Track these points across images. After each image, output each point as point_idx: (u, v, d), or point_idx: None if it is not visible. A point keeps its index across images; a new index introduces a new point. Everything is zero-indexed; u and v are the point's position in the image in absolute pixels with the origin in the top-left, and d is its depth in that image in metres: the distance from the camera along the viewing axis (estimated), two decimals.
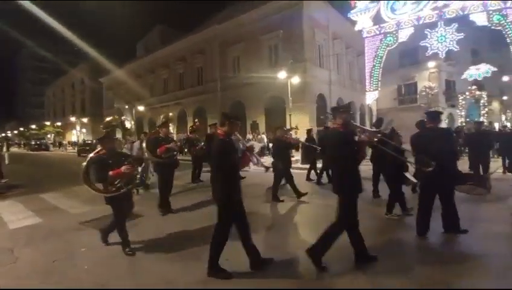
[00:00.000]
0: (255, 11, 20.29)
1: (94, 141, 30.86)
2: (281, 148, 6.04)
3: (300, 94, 17.53)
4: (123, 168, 3.31)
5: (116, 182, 3.33)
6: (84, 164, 3.39)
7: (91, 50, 32.55)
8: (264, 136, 16.95)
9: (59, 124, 45.85)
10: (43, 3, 23.43)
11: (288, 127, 15.68)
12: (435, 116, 3.76)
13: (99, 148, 3.57)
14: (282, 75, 15.35)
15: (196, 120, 9.73)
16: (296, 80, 15.64)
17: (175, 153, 5.18)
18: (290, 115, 16.07)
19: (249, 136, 18.06)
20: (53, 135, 46.03)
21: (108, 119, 4.27)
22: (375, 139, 3.14)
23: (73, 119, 40.74)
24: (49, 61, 63.31)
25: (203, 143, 7.56)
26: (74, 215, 5.31)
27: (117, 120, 4.33)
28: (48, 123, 46.95)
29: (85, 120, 39.52)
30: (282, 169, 5.87)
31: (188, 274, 2.89)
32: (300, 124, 16.94)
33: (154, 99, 28.99)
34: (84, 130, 40.41)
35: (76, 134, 40.15)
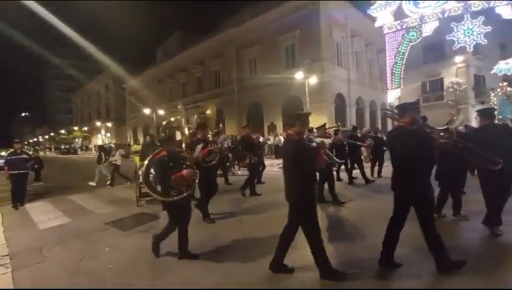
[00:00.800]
0: (270, 12, 20.25)
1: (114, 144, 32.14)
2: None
3: (318, 94, 17.23)
4: (185, 172, 3.12)
5: (179, 187, 3.13)
6: (144, 166, 3.24)
7: (114, 57, 34.05)
8: (281, 137, 16.79)
9: (86, 128, 48.25)
10: (67, 13, 24.85)
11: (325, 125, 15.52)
12: (490, 113, 3.58)
13: (157, 151, 3.39)
14: (299, 75, 15.19)
15: (220, 124, 9.66)
16: (313, 80, 15.40)
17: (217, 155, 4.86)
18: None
19: (269, 137, 18.00)
20: (80, 139, 48.52)
21: (170, 119, 4.11)
22: (443, 139, 2.83)
23: (98, 124, 42.70)
24: (75, 68, 67.00)
25: (229, 144, 7.59)
26: (99, 215, 5.49)
27: (179, 121, 4.11)
28: (75, 128, 49.59)
29: (109, 124, 41.28)
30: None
31: (208, 276, 2.87)
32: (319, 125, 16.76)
33: (173, 104, 29.71)
34: (108, 134, 42.22)
35: (101, 138, 42.01)
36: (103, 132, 41.74)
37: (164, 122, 3.87)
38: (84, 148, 42.84)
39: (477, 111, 3.76)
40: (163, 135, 3.60)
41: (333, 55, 19.39)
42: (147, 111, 27.02)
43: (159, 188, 3.20)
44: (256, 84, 21.51)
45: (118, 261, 3.31)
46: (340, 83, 19.70)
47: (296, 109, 18.65)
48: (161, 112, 27.44)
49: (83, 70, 59.43)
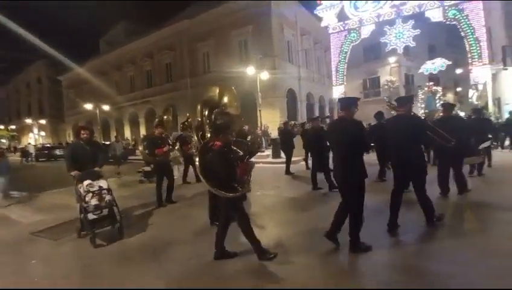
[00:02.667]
0: (223, 6, 20.04)
1: (53, 144, 28.70)
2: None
3: (270, 89, 17.70)
4: (247, 164, 2.97)
5: (243, 180, 2.92)
6: (199, 159, 2.98)
7: (47, 47, 30.06)
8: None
9: (13, 127, 42.07)
10: None
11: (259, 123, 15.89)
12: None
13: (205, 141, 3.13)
14: (251, 70, 15.39)
15: (188, 114, 9.23)
16: (265, 75, 15.75)
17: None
18: (260, 110, 16.16)
19: None
20: (7, 139, 42.13)
21: (224, 102, 3.60)
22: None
23: (29, 121, 37.59)
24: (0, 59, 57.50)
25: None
26: (26, 225, 4.89)
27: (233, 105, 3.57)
28: (1, 127, 42.86)
29: (43, 122, 36.64)
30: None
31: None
32: (271, 119, 17.28)
33: (120, 98, 27.63)
34: (43, 133, 37.48)
35: (34, 137, 37.13)
36: (36, 130, 36.92)
37: (216, 109, 3.47)
38: (13, 149, 37.39)
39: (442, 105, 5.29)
40: (217, 122, 3.19)
41: (285, 52, 20.05)
42: (88, 106, 24.62)
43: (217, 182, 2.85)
44: (210, 79, 21.18)
45: (47, 274, 3.02)
46: (292, 79, 20.51)
47: (249, 104, 18.93)
48: (106, 107, 25.31)
49: (10, 60, 51.33)
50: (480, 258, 2.73)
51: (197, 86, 22.31)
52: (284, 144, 8.82)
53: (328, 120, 8.94)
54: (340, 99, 3.36)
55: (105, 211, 3.83)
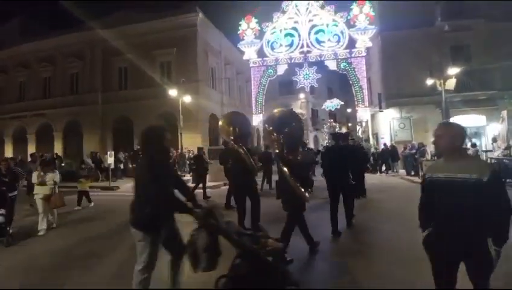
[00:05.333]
0: (147, 23, 19.50)
1: None
2: None
3: (193, 113, 17.75)
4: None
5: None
6: (285, 170, 3.47)
7: None
8: None
9: None
10: None
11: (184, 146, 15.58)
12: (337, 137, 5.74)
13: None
14: (173, 93, 15.24)
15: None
16: (188, 99, 15.84)
17: None
18: (181, 133, 15.93)
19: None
20: None
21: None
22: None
23: None
24: None
25: None
26: None
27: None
28: None
29: None
30: None
31: None
32: (192, 142, 17.19)
33: (2, 108, 22.49)
34: None
35: None
36: None
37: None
38: None
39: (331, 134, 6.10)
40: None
41: (208, 78, 20.69)
42: None
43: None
44: (127, 96, 19.74)
45: None
46: (215, 105, 21.12)
47: (170, 126, 18.39)
48: None
49: None
50: None
51: (110, 102, 20.35)
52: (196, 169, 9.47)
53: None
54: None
55: None
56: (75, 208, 7.87)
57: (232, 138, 4.65)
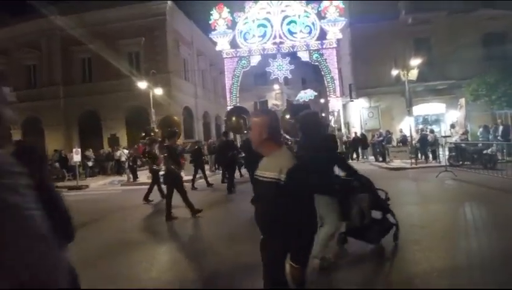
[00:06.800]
0: (111, 10, 18.28)
1: None
2: None
3: (165, 106, 17.15)
4: None
5: None
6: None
7: None
8: (125, 150, 15.35)
9: None
10: None
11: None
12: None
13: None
14: (143, 85, 14.58)
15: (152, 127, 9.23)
16: (159, 91, 15.26)
17: None
18: (153, 127, 15.37)
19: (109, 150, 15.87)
20: None
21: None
22: None
23: None
24: None
25: None
26: None
27: None
28: None
29: None
30: None
31: None
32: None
33: None
34: None
35: None
36: None
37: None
38: None
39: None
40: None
41: (181, 70, 20.01)
42: None
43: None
44: (92, 89, 18.58)
45: None
46: (188, 97, 20.57)
47: (141, 119, 17.70)
48: None
49: None
50: None
51: (74, 96, 19.05)
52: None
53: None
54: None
55: None
56: None
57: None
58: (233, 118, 6.65)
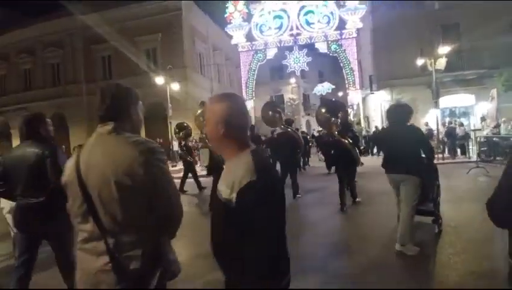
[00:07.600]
0: (128, 7, 18.60)
1: None
2: None
3: (182, 101, 17.31)
4: None
5: None
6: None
7: None
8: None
9: None
10: None
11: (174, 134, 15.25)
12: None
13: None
14: (160, 80, 14.76)
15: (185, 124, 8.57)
16: (176, 86, 15.39)
17: None
18: (170, 122, 15.59)
19: None
20: None
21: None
22: None
23: None
24: None
25: None
26: None
27: None
28: None
29: None
30: None
31: None
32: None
33: None
34: None
35: None
36: None
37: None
38: None
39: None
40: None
41: (196, 64, 20.10)
42: None
43: None
44: None
45: None
46: (204, 91, 20.60)
47: (158, 115, 17.96)
48: None
49: None
50: None
51: (96, 93, 19.62)
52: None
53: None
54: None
55: None
56: None
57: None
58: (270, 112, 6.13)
